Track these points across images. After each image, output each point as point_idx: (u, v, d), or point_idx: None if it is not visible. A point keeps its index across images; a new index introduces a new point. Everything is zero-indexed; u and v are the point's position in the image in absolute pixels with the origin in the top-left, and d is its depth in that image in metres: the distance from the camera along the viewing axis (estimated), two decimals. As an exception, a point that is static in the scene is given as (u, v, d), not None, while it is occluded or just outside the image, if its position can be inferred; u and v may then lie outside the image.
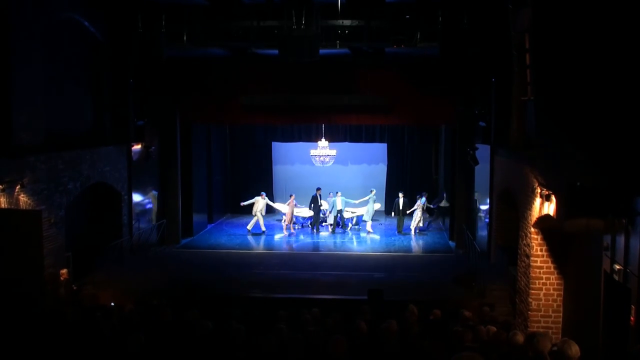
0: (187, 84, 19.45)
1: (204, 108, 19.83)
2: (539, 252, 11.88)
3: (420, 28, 16.89)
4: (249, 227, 22.06)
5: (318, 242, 21.04)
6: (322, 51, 16.48)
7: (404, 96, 19.00)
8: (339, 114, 19.84)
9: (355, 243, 20.91)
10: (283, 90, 19.16)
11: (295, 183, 25.64)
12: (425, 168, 25.21)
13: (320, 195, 22.07)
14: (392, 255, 18.97)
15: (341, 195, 22.10)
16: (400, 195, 22.09)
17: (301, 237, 21.68)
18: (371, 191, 22.20)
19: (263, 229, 21.99)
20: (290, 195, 22.17)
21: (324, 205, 22.40)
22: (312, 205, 22.04)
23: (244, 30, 17.51)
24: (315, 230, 22.03)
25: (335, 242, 20.91)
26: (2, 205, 11.72)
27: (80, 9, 15.53)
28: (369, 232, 21.72)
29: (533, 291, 11.95)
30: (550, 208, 10.56)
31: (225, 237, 21.60)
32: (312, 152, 22.45)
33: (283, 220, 22.41)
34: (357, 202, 22.36)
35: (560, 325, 11.86)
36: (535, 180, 11.47)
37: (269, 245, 20.83)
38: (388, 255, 19.01)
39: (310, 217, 22.81)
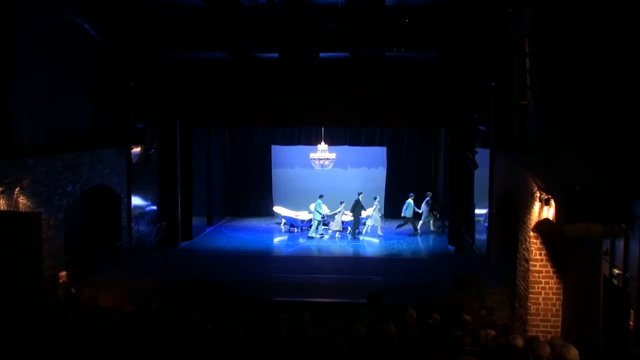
0: (188, 86, 19.44)
1: (204, 111, 19.83)
2: (538, 257, 11.89)
3: (421, 32, 16.89)
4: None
5: (317, 245, 21.03)
6: (321, 55, 16.48)
7: (403, 99, 18.96)
8: (338, 119, 19.83)
9: (354, 246, 20.90)
10: (282, 93, 19.13)
11: (295, 186, 25.67)
12: (425, 171, 25.20)
13: (360, 200, 21.98)
14: (392, 259, 18.96)
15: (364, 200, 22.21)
16: (411, 196, 22.18)
17: (300, 240, 21.67)
18: (375, 198, 22.25)
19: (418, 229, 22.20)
20: (341, 203, 22.06)
21: (367, 212, 22.43)
22: (354, 210, 21.95)
23: (243, 33, 17.50)
24: (353, 237, 21.91)
25: (334, 246, 20.90)
26: (1, 208, 11.72)
27: (80, 10, 15.55)
28: (380, 236, 21.98)
29: (532, 295, 11.96)
30: (549, 212, 10.56)
31: (224, 240, 21.60)
32: (312, 155, 22.46)
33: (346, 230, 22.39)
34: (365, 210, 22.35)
35: (559, 330, 11.86)
36: (534, 184, 11.47)
37: (269, 248, 20.81)
38: (387, 259, 19.01)
39: (309, 221, 22.82)
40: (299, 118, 19.90)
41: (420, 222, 22.39)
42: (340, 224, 22.03)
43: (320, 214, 21.94)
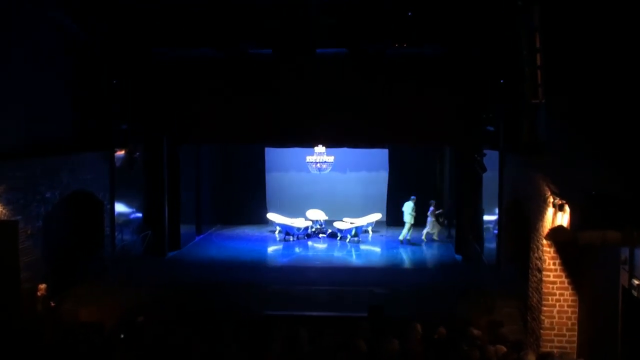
0: (175, 86, 19.40)
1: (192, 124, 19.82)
2: (551, 266, 11.85)
3: (424, 26, 16.89)
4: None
5: (314, 254, 21.00)
6: (318, 51, 16.50)
7: (405, 99, 18.91)
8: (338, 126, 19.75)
9: (354, 255, 20.87)
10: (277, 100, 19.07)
11: (291, 192, 25.63)
12: (430, 175, 25.16)
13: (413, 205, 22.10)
14: (394, 269, 18.96)
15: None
16: (412, 199, 22.30)
17: (297, 249, 21.64)
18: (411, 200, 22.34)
19: (408, 238, 22.15)
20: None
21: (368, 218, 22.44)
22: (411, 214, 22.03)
23: (235, 27, 17.47)
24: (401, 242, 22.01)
25: (332, 255, 20.88)
26: (-25, 215, 11.68)
27: (61, 7, 15.49)
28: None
29: (546, 308, 11.92)
30: (563, 218, 10.53)
31: (214, 249, 21.56)
32: (309, 158, 22.43)
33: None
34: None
35: (575, 345, 11.81)
36: (547, 188, 11.45)
37: (262, 258, 20.78)
38: (389, 269, 19.00)
39: (305, 228, 22.80)
40: (294, 126, 19.63)
41: (425, 230, 22.33)
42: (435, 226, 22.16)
43: (413, 216, 21.95)
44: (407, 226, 22.05)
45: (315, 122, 19.05)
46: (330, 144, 21.48)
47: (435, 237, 22.41)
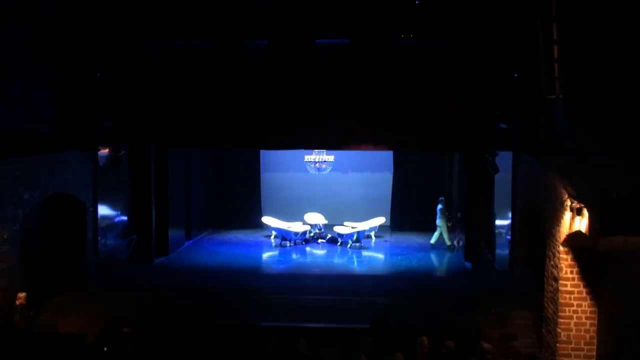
0: (166, 82, 19.28)
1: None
2: (569, 275, 11.83)
3: (430, 16, 16.88)
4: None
5: (313, 261, 20.98)
6: (317, 41, 16.50)
7: (411, 95, 18.82)
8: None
9: (355, 262, 20.85)
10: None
11: (287, 194, 25.60)
12: (437, 176, 25.12)
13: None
14: (398, 277, 18.92)
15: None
16: (441, 200, 22.38)
17: (294, 255, 21.62)
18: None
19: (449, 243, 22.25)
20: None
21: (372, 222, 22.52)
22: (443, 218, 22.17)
23: (227, 16, 17.44)
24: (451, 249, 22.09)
25: (332, 262, 20.86)
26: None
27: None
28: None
29: (562, 320, 11.90)
30: (582, 223, 10.52)
31: (205, 255, 21.52)
32: (307, 157, 22.42)
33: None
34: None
35: (593, 360, 11.82)
36: (564, 190, 11.44)
37: (257, 265, 20.77)
38: (393, 277, 18.98)
39: (303, 233, 22.78)
40: (293, 127, 19.48)
41: (435, 234, 22.26)
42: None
43: (443, 219, 22.03)
44: (438, 230, 22.11)
45: (315, 124, 18.95)
46: (330, 147, 21.37)
47: (447, 241, 22.24)
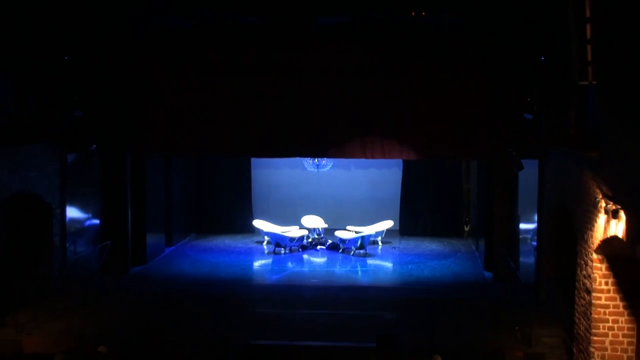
0: (141, 62, 19.25)
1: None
2: (603, 286, 11.84)
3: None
4: None
5: (311, 270, 21.01)
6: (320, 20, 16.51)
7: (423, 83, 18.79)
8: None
9: (360, 272, 20.86)
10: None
11: (282, 193, 25.66)
12: (453, 174, 25.12)
13: None
14: (409, 289, 18.92)
15: None
16: None
17: (289, 264, 21.62)
18: None
19: None
20: None
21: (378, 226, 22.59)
22: None
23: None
24: None
25: (333, 271, 20.89)
26: None
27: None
28: None
29: (596, 338, 11.91)
30: (618, 227, 10.51)
31: (188, 264, 21.58)
32: (304, 152, 22.44)
33: None
34: None
35: (632, 383, 11.83)
36: (598, 190, 11.43)
37: (247, 275, 20.80)
38: (403, 289, 18.99)
39: (300, 239, 22.78)
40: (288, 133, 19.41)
41: None
42: None
43: None
44: None
45: (314, 128, 18.94)
46: (332, 155, 21.20)
47: None
